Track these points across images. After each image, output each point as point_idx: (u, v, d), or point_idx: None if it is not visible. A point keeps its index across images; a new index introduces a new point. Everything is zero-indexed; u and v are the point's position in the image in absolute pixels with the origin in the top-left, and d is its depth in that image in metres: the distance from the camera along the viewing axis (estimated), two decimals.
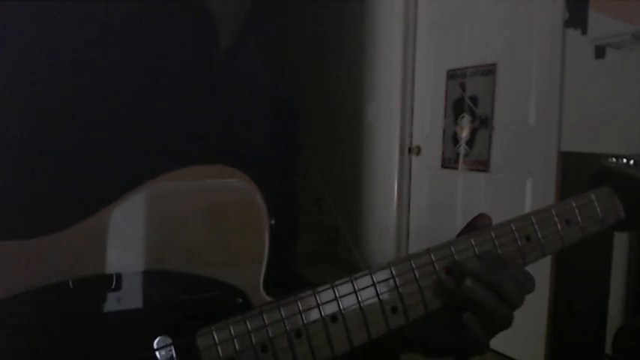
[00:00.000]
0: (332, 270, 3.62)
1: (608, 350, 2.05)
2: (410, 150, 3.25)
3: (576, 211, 0.56)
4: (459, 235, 0.52)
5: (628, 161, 0.60)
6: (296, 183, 0.66)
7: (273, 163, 0.60)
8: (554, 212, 0.55)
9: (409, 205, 3.31)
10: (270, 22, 0.58)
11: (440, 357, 0.53)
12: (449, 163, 2.93)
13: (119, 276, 0.41)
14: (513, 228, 0.52)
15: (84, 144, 0.46)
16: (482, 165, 2.69)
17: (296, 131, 0.67)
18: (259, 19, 0.57)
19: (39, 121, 0.45)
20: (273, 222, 0.45)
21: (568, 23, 2.22)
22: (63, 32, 0.47)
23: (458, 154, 2.85)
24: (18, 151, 0.44)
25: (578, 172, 2.19)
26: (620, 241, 2.03)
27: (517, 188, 2.50)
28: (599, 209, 0.58)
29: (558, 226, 0.55)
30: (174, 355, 0.40)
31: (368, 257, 3.71)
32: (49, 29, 0.46)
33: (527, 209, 2.39)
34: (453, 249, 0.50)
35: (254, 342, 0.42)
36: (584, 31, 2.16)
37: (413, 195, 3.28)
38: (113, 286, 0.41)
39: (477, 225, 0.52)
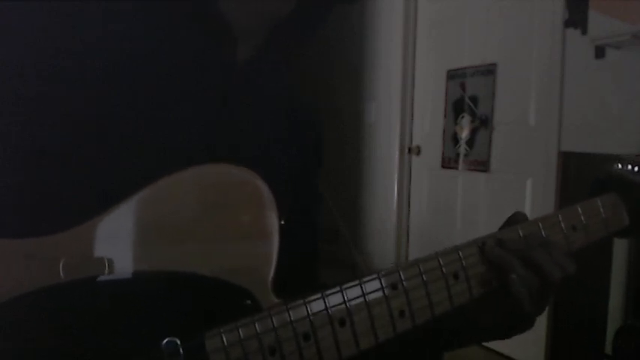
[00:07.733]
0: (332, 270, 3.61)
1: (608, 350, 2.05)
2: (410, 150, 3.25)
3: (582, 217, 0.56)
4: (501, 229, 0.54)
5: (633, 167, 0.60)
6: (317, 187, 0.65)
7: (291, 170, 0.59)
8: (560, 218, 0.55)
9: (409, 205, 3.31)
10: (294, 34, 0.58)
11: (487, 338, 0.55)
12: (449, 163, 2.93)
13: (126, 277, 0.41)
14: (521, 234, 0.53)
15: (96, 146, 0.46)
16: (482, 165, 2.69)
17: (316, 137, 0.66)
18: (283, 29, 0.57)
19: (46, 121, 0.44)
20: (282, 222, 0.45)
21: (568, 23, 2.22)
22: (72, 34, 0.46)
23: (458, 154, 2.85)
24: (22, 151, 0.44)
25: (578, 172, 2.19)
26: (620, 241, 2.03)
27: (517, 188, 2.49)
28: (604, 215, 0.58)
29: (565, 232, 0.55)
30: (183, 357, 0.40)
31: (368, 257, 3.70)
32: (59, 30, 0.46)
33: (527, 209, 2.40)
34: (460, 254, 0.50)
35: (262, 345, 0.42)
36: (584, 31, 2.16)
37: (413, 195, 3.28)
38: (120, 287, 0.41)
39: (515, 221, 0.54)
